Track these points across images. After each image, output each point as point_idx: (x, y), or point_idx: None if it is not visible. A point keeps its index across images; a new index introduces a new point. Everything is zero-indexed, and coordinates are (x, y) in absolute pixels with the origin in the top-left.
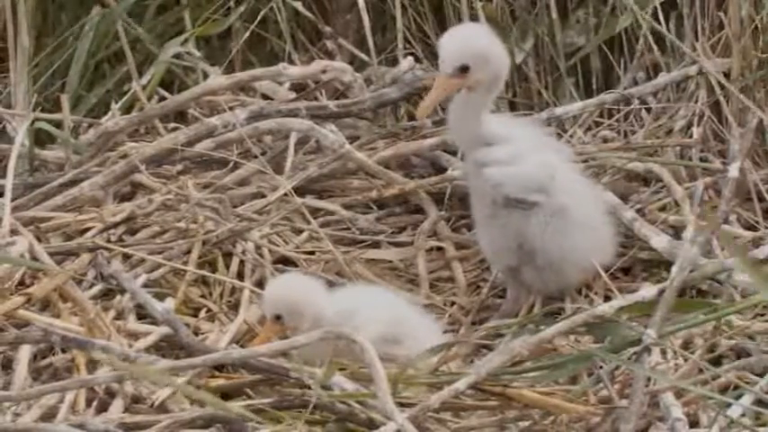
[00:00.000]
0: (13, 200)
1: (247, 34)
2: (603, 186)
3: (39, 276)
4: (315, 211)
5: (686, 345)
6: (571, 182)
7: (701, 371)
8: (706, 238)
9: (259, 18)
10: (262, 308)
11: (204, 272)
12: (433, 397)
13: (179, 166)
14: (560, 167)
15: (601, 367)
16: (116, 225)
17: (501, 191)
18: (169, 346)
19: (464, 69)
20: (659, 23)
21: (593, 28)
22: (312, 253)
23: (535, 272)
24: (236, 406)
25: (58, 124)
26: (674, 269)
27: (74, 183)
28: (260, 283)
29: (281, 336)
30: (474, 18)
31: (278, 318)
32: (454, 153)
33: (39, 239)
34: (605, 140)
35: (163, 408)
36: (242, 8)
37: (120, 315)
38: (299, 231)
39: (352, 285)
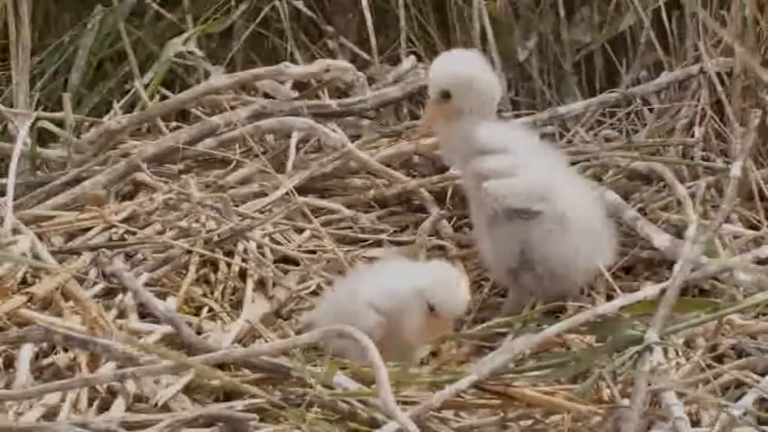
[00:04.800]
0: (15, 198)
1: (249, 33)
2: (605, 185)
3: (40, 275)
4: (316, 210)
5: (688, 344)
6: (570, 187)
7: (702, 370)
8: (708, 238)
9: (260, 17)
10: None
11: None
12: (435, 396)
13: (181, 165)
14: (558, 173)
15: (603, 366)
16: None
17: (503, 203)
18: (171, 346)
19: (445, 95)
20: (662, 22)
21: (597, 26)
22: (314, 252)
23: (535, 278)
24: (238, 405)
25: (60, 123)
26: (675, 268)
27: (76, 181)
28: (261, 283)
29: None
30: (478, 16)
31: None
32: None
33: (40, 238)
34: (607, 139)
35: (165, 407)
36: (243, 7)
37: (122, 314)
38: (301, 230)
39: None
